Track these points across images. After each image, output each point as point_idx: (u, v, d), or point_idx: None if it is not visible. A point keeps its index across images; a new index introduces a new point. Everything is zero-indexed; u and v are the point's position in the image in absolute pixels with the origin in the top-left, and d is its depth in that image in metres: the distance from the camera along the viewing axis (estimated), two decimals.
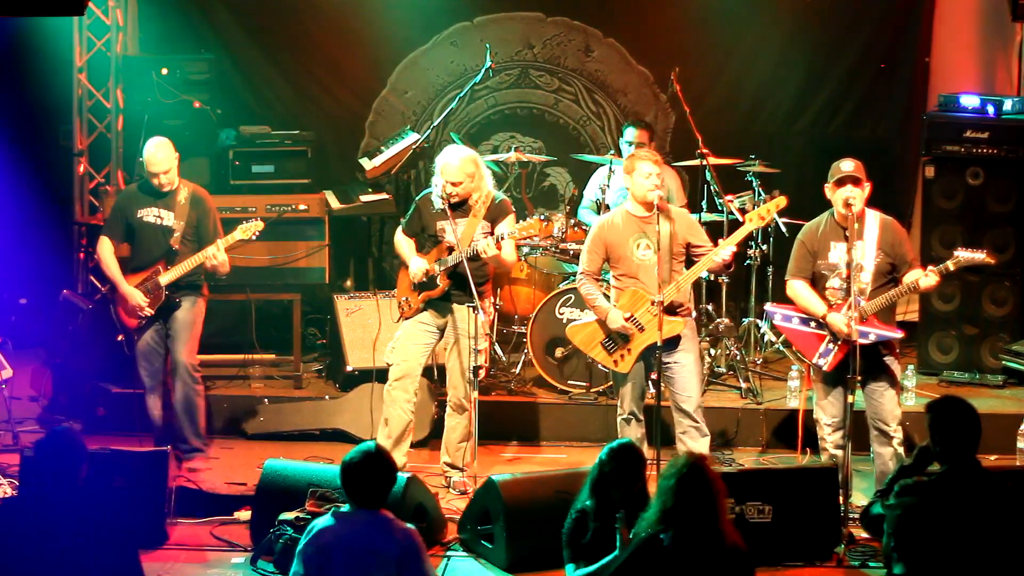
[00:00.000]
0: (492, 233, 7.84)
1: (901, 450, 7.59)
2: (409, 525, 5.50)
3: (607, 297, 7.83)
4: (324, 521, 5.45)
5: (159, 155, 8.18)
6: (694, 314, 8.11)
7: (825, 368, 7.55)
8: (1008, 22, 9.84)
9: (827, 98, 10.84)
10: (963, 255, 7.42)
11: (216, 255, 8.17)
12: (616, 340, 7.74)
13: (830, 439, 7.61)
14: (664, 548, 5.04)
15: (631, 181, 7.74)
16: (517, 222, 8.00)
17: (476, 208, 7.88)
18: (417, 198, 8.18)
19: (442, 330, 8.05)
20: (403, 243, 8.12)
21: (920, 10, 10.59)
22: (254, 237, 8.31)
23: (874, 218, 7.56)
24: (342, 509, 5.48)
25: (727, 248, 7.64)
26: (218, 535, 7.40)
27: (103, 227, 8.60)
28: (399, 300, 8.11)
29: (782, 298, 9.32)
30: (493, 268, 8.06)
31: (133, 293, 8.23)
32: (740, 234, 7.71)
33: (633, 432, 7.79)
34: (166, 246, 8.25)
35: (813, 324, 7.61)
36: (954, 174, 9.51)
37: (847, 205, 7.39)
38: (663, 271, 7.56)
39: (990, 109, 9.44)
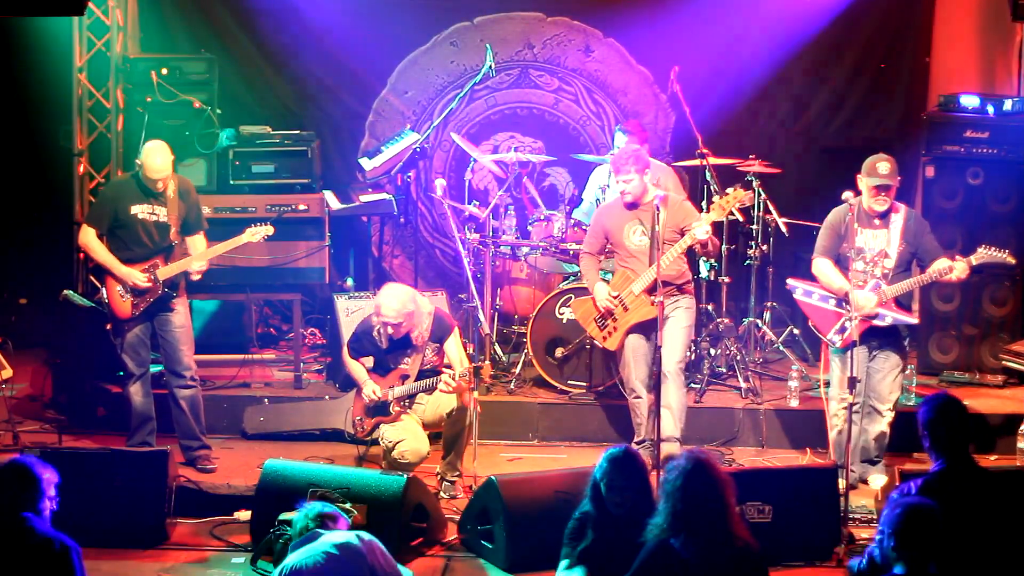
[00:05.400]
0: (440, 352, 8.02)
1: (888, 431, 7.93)
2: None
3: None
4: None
5: (159, 162, 8.13)
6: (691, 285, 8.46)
7: (838, 345, 7.81)
8: (1008, 22, 9.83)
9: (827, 98, 10.84)
10: (986, 252, 7.72)
11: (203, 268, 8.29)
12: (606, 317, 8.30)
13: (843, 414, 7.67)
14: (676, 553, 5.00)
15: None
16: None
17: (419, 343, 7.98)
18: (360, 326, 8.17)
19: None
20: (355, 366, 8.15)
21: (920, 10, 10.60)
22: (263, 240, 8.41)
23: (901, 209, 7.85)
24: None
25: (700, 228, 7.96)
26: (218, 535, 7.40)
27: (86, 216, 8.57)
28: (354, 420, 8.14)
29: (783, 298, 9.37)
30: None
31: (132, 272, 8.15)
32: (708, 218, 8.07)
33: (643, 409, 8.24)
34: (165, 241, 8.24)
35: (833, 302, 7.86)
36: (954, 174, 9.50)
37: (878, 201, 7.73)
38: (653, 257, 7.99)
39: (990, 109, 9.43)
